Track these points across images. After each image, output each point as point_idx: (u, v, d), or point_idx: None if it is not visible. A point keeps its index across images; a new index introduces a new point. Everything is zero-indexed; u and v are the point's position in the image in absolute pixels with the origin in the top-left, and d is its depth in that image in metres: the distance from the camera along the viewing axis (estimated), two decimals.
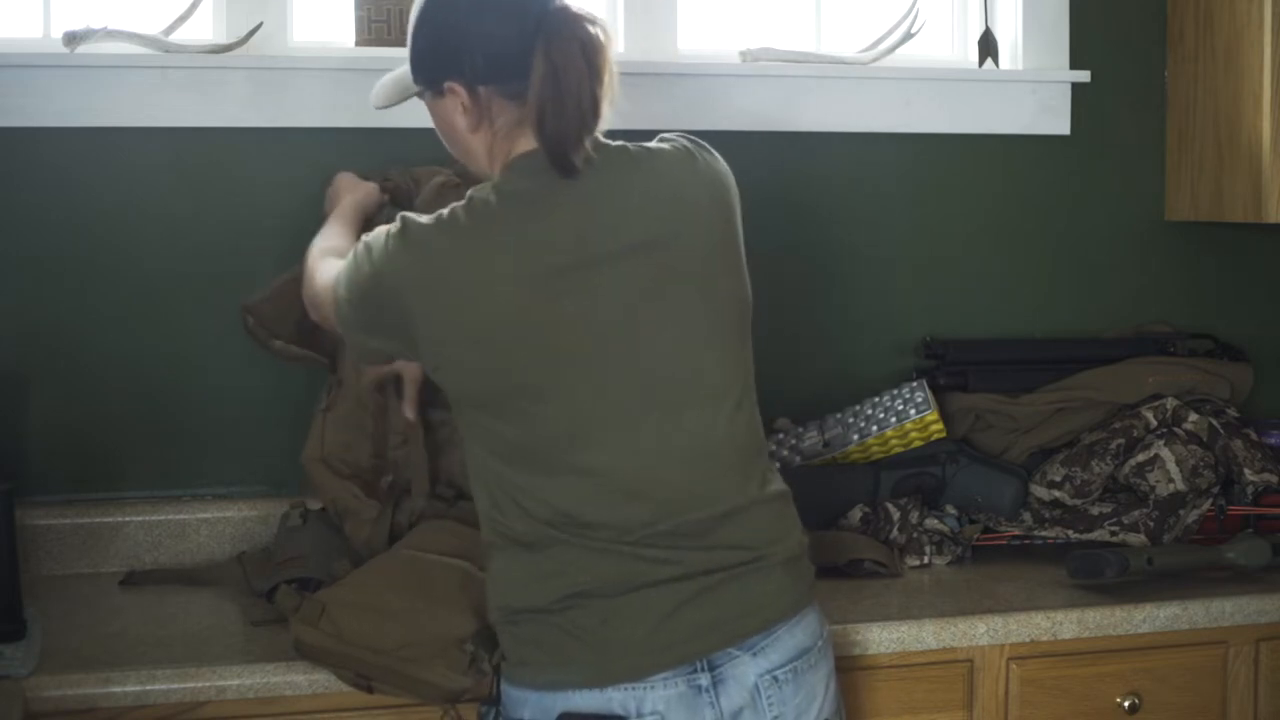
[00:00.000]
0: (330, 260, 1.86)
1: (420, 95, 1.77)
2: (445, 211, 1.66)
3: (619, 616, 1.62)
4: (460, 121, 1.71)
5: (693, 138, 1.76)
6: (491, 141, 1.71)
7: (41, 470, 2.28)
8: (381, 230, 1.68)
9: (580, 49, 1.62)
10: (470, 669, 1.76)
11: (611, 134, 1.74)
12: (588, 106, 1.62)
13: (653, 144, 1.73)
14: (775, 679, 1.66)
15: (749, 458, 1.72)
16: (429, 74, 1.73)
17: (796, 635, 1.69)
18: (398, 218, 1.67)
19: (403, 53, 2.39)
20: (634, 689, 1.61)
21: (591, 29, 1.64)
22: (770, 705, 1.66)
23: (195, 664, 1.81)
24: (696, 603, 1.64)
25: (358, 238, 1.82)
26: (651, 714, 1.61)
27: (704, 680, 1.63)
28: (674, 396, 1.65)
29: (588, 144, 1.64)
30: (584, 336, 1.62)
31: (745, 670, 1.65)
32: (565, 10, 1.65)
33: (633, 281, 1.64)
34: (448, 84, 1.70)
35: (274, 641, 1.89)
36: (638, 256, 1.64)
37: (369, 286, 1.67)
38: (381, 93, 1.90)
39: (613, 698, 1.61)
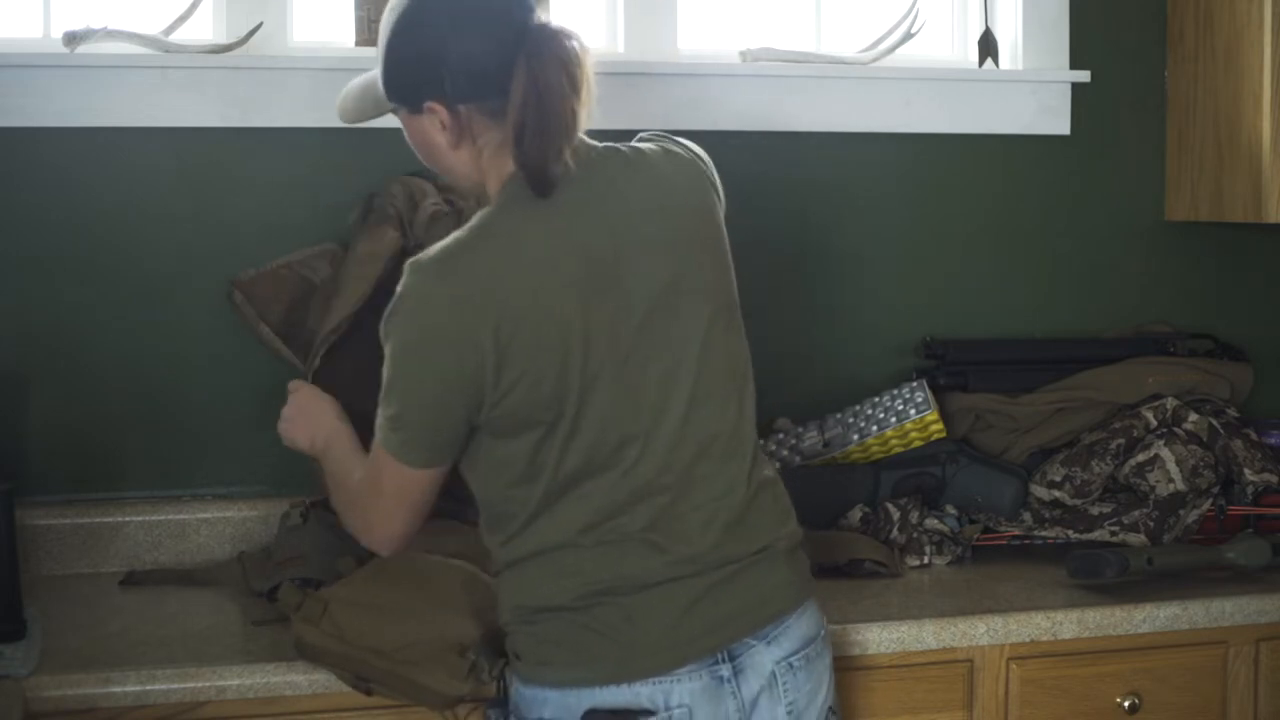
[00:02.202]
0: (353, 469, 1.77)
1: (394, 111, 1.74)
2: (458, 234, 1.64)
3: (642, 612, 1.64)
4: (440, 139, 1.68)
5: (670, 136, 1.77)
6: (478, 158, 1.68)
7: (41, 470, 2.28)
8: (398, 297, 1.61)
9: (562, 67, 1.61)
10: (469, 676, 1.76)
11: (609, 135, 1.74)
12: (569, 123, 1.61)
13: (638, 144, 1.73)
14: (790, 665, 1.70)
15: (754, 447, 1.74)
16: (406, 93, 1.69)
17: (804, 624, 1.73)
18: (406, 267, 1.62)
19: None
20: (661, 683, 1.63)
21: (571, 44, 1.63)
22: (786, 691, 1.69)
23: (195, 664, 1.81)
24: (714, 596, 1.66)
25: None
26: (679, 706, 1.63)
27: (725, 671, 1.66)
28: (693, 390, 1.67)
29: (567, 156, 1.62)
30: (613, 337, 1.63)
31: (762, 659, 1.68)
32: (545, 27, 1.63)
33: (649, 279, 1.65)
34: (427, 104, 1.66)
35: (274, 641, 1.89)
36: (649, 255, 1.65)
37: (417, 346, 1.60)
38: (350, 107, 1.84)
39: (640, 692, 1.63)
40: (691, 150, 1.76)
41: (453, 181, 1.77)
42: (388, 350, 1.62)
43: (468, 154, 1.69)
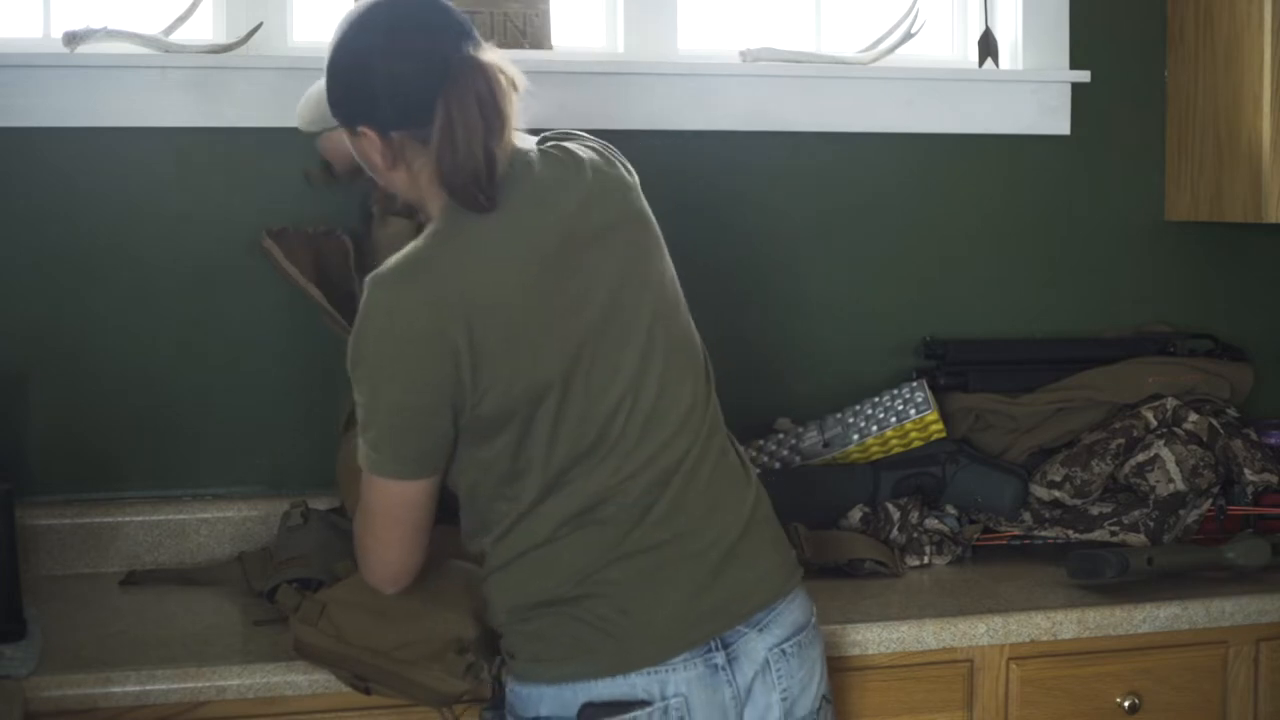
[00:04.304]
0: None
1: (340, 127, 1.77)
2: (411, 247, 1.65)
3: (636, 603, 1.65)
4: (377, 159, 1.71)
5: (570, 133, 1.79)
6: (415, 181, 1.70)
7: (41, 470, 2.28)
8: (363, 314, 1.62)
9: (477, 102, 1.62)
10: (467, 674, 1.76)
11: (610, 135, 1.75)
12: (480, 160, 1.62)
13: (559, 144, 1.75)
14: (783, 652, 1.71)
15: (721, 426, 1.77)
16: (342, 116, 1.72)
17: (794, 611, 1.74)
18: (366, 282, 1.64)
19: None
20: (656, 673, 1.64)
21: (490, 82, 1.64)
22: (780, 677, 1.70)
23: (195, 664, 1.81)
24: (706, 584, 1.68)
25: None
26: (675, 696, 1.64)
27: (719, 659, 1.67)
28: (664, 369, 1.70)
29: (483, 190, 1.63)
30: (580, 325, 1.65)
31: (755, 645, 1.69)
32: (469, 60, 1.64)
33: (603, 266, 1.68)
34: (360, 127, 1.69)
35: (274, 641, 1.89)
36: (597, 243, 1.68)
37: (389, 357, 1.61)
38: (307, 116, 1.87)
39: (636, 683, 1.64)
40: (595, 141, 1.79)
41: (398, 195, 1.79)
42: (361, 373, 1.63)
43: (404, 176, 1.71)
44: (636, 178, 1.79)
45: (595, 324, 1.66)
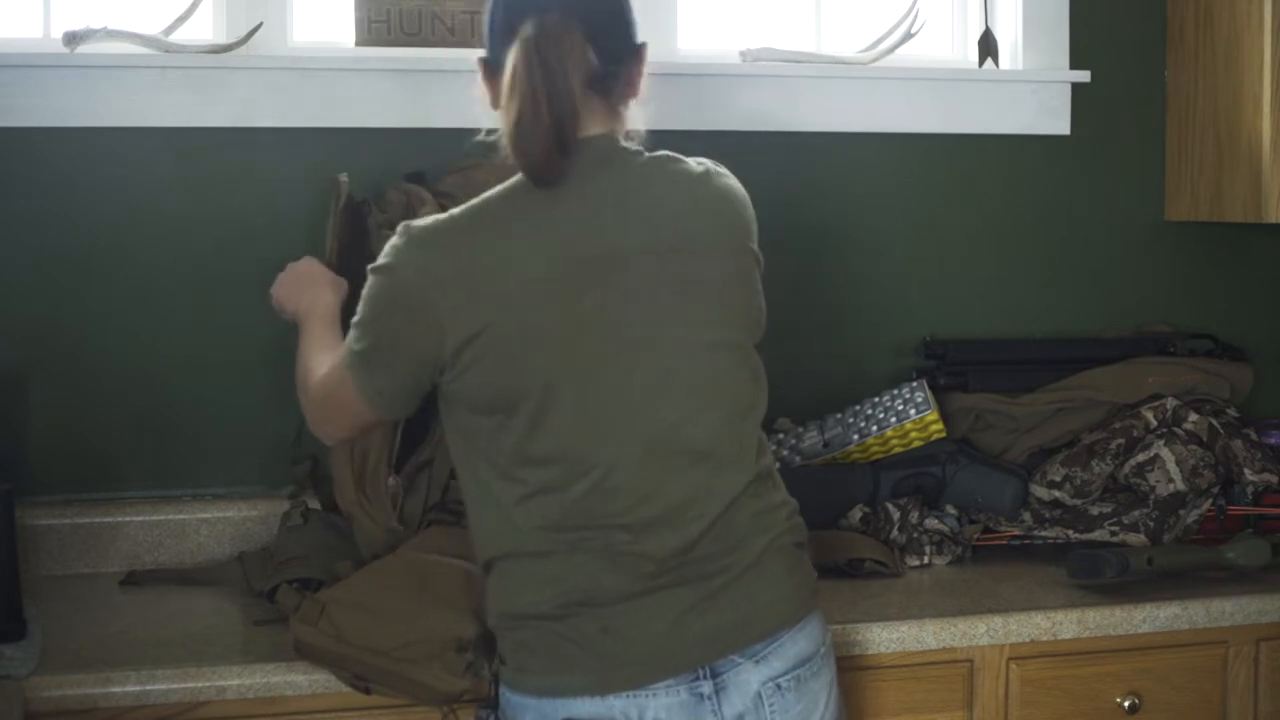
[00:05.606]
0: (321, 358, 1.82)
1: None
2: (455, 210, 1.66)
3: (620, 624, 1.62)
4: (488, 95, 1.72)
5: (715, 163, 1.77)
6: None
7: (41, 470, 2.28)
8: (388, 246, 1.66)
9: (556, 61, 1.60)
10: (466, 673, 1.76)
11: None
12: (547, 123, 1.59)
13: (671, 154, 1.73)
14: (778, 686, 1.66)
15: (754, 462, 1.71)
16: (485, 40, 1.73)
17: (799, 642, 1.68)
18: (400, 227, 1.66)
19: (402, 53, 2.40)
20: (636, 697, 1.61)
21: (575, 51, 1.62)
22: (773, 713, 1.65)
23: (195, 664, 1.81)
24: (699, 610, 1.63)
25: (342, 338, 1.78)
26: None
27: (706, 688, 1.63)
28: (687, 396, 1.65)
29: (561, 161, 1.61)
30: (602, 333, 1.62)
31: (748, 678, 1.64)
32: (563, 22, 1.62)
33: (650, 281, 1.64)
34: (479, 57, 1.72)
35: (274, 641, 1.89)
36: (655, 257, 1.64)
37: (386, 305, 1.65)
38: None
39: (614, 705, 1.60)
40: (734, 185, 1.75)
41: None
42: (365, 290, 1.67)
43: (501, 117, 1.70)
44: (750, 210, 1.75)
45: (603, 346, 1.62)
